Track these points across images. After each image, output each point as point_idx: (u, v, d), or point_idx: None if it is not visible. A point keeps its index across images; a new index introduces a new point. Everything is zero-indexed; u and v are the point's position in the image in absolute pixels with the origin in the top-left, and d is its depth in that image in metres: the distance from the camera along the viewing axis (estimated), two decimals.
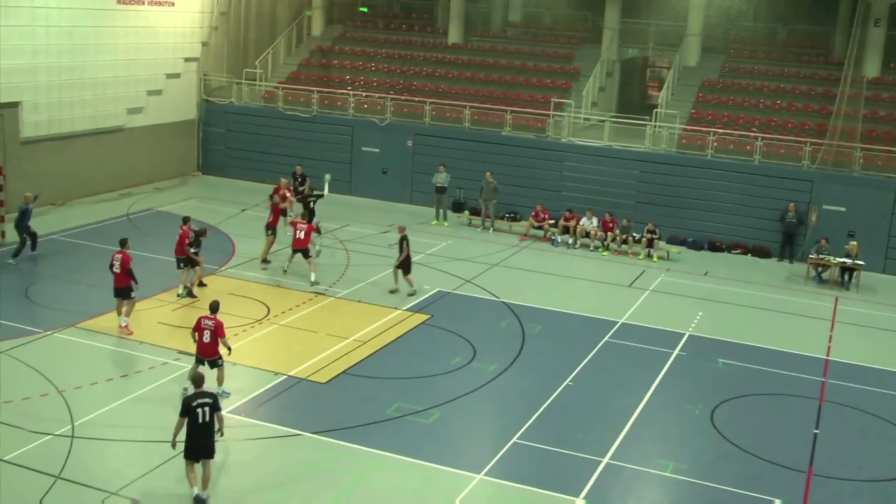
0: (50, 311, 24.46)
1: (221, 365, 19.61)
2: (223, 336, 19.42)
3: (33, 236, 28.40)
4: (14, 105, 33.31)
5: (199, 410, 15.64)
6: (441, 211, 36.51)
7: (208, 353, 19.40)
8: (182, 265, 26.04)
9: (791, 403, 21.60)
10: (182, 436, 15.75)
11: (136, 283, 23.30)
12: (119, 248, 23.37)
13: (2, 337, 22.30)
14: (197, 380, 16.33)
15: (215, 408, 15.89)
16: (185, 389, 19.27)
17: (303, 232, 27.93)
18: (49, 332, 22.87)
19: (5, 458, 16.81)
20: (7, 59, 32.70)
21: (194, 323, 19.69)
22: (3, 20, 32.35)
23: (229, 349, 19.87)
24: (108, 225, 32.82)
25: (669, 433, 19.84)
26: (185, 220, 26.53)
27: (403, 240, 27.23)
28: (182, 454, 15.92)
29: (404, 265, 27.35)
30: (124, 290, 23.06)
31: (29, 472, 16.47)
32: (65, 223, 32.40)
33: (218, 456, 17.26)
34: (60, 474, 16.43)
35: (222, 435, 16.35)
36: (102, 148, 37.51)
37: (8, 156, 32.89)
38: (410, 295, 27.13)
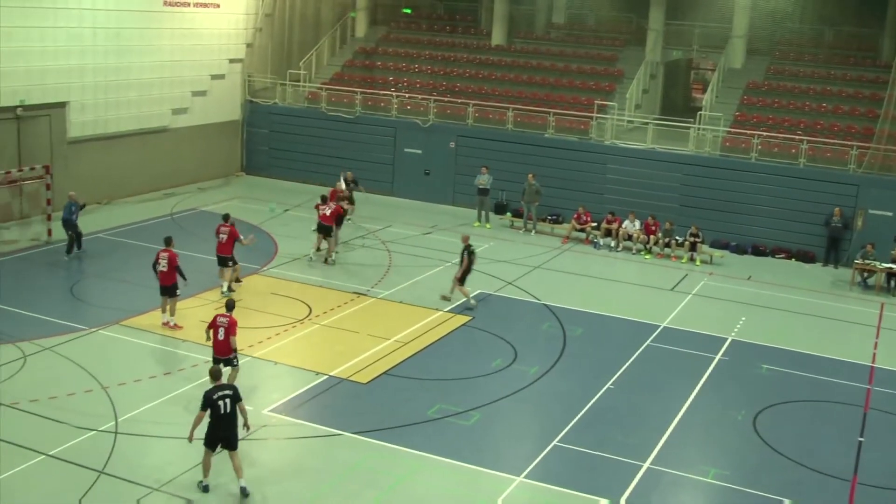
0: (95, 309, 24.73)
1: (236, 365, 19.65)
2: (234, 335, 19.28)
3: (78, 235, 28.67)
4: (62, 105, 33.76)
5: (221, 402, 15.93)
6: (483, 213, 36.49)
7: (223, 352, 19.36)
8: (231, 263, 26.26)
9: (835, 411, 21.36)
10: (203, 427, 16.05)
11: (185, 279, 23.56)
12: (164, 247, 23.58)
13: (48, 333, 22.60)
14: (214, 373, 16.52)
15: (236, 399, 16.12)
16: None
17: (329, 210, 29.34)
18: (94, 329, 23.13)
19: (50, 453, 17.03)
20: (55, 60, 33.15)
21: (210, 320, 19.77)
22: (52, 21, 32.81)
23: (235, 351, 19.50)
24: (152, 224, 33.13)
25: (711, 439, 19.68)
26: (226, 217, 26.76)
27: (465, 250, 26.78)
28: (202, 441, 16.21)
29: (463, 275, 26.81)
30: (170, 287, 23.28)
31: (73, 466, 16.67)
32: (110, 222, 32.75)
33: (258, 454, 17.47)
34: (104, 469, 16.61)
35: (248, 429, 16.50)
36: (147, 148, 37.89)
37: (55, 155, 33.35)
38: (444, 299, 26.87)
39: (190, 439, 16.16)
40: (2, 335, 22.26)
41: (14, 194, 30.94)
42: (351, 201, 34.48)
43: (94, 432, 17.96)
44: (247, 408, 16.60)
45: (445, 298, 26.80)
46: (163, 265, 23.19)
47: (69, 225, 28.32)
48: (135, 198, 36.75)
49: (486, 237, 34.28)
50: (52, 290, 26.09)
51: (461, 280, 26.65)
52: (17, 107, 31.86)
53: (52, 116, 33.47)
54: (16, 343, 21.83)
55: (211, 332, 19.49)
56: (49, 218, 30.59)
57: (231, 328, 19.28)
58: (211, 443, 16.13)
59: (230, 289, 26.23)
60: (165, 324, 23.43)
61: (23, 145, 32.34)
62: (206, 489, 16.09)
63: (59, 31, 33.17)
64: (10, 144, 31.97)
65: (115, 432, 18.02)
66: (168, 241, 23.79)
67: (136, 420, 18.59)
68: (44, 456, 16.93)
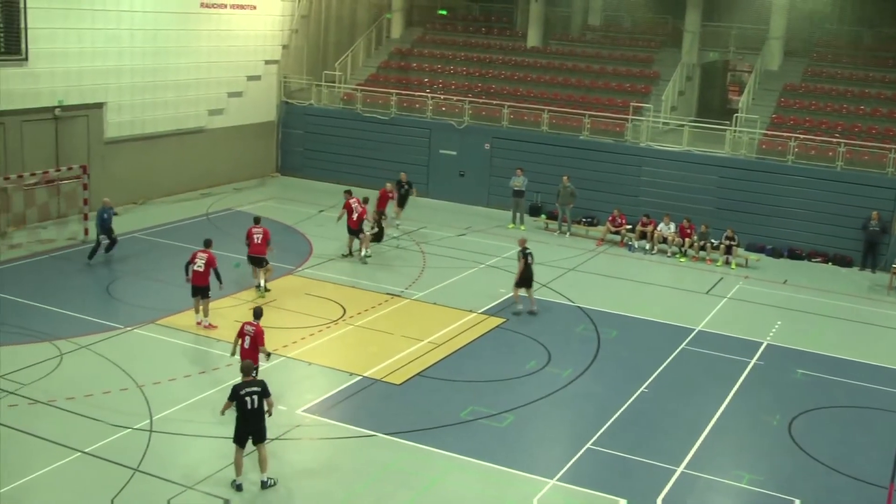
0: (130, 308, 24.91)
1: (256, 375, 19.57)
2: (262, 344, 19.05)
3: (112, 241, 28.71)
4: (99, 106, 34.07)
5: (248, 398, 16.07)
6: (518, 214, 36.44)
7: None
8: (265, 263, 26.40)
9: (873, 417, 21.14)
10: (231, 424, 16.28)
11: (221, 283, 23.70)
12: (203, 248, 23.71)
13: (84, 332, 22.80)
14: (245, 368, 16.61)
15: (264, 394, 16.24)
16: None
17: (357, 214, 29.75)
18: (129, 328, 23.31)
19: (86, 450, 17.18)
20: (93, 61, 33.46)
21: (238, 328, 19.56)
22: (91, 23, 33.11)
23: (268, 355, 19.45)
24: (188, 224, 33.34)
25: (746, 444, 19.53)
26: (257, 220, 26.93)
27: (521, 252, 26.27)
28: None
29: (524, 280, 26.22)
30: (203, 288, 23.39)
31: (108, 464, 16.80)
32: (145, 222, 32.98)
33: (291, 454, 17.53)
34: (139, 467, 16.72)
35: (270, 415, 16.56)
36: (183, 148, 38.15)
37: (92, 155, 33.66)
38: (531, 314, 26.21)
39: (222, 412, 16.56)
40: (39, 333, 22.49)
41: (52, 194, 31.23)
42: (401, 204, 34.64)
43: (130, 430, 18.09)
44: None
45: (517, 314, 26.07)
46: (199, 265, 23.29)
47: (104, 229, 28.37)
48: (171, 198, 37.00)
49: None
50: (89, 289, 26.32)
51: (518, 283, 26.20)
52: (55, 107, 32.19)
53: (90, 117, 33.79)
54: (53, 341, 22.04)
55: (239, 340, 19.36)
56: (86, 217, 30.86)
57: (258, 337, 19.08)
58: (239, 439, 16.26)
59: (266, 288, 26.36)
60: (199, 323, 23.56)
61: (61, 145, 32.66)
62: (239, 488, 16.17)
63: (97, 33, 33.48)
64: (49, 144, 32.29)
65: (150, 430, 18.15)
66: (208, 244, 23.94)
67: (171, 419, 18.71)
68: (80, 453, 17.07)
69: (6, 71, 30.42)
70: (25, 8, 30.62)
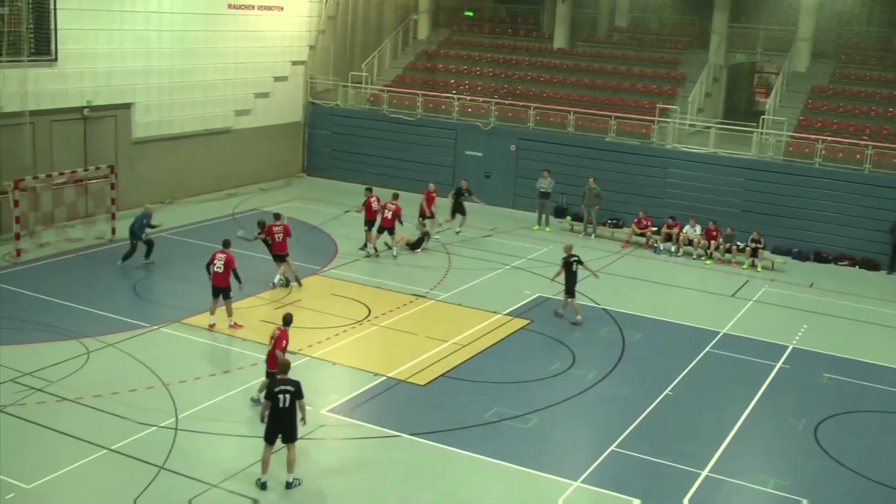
0: (156, 307, 25.06)
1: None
2: (280, 348, 18.73)
3: (149, 245, 28.82)
4: (127, 106, 34.31)
5: (281, 396, 16.20)
6: (543, 216, 36.40)
7: (268, 364, 19.08)
8: (280, 261, 26.59)
9: None
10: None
11: (241, 283, 23.82)
12: (221, 248, 23.84)
13: (111, 330, 22.97)
14: (283, 366, 16.76)
15: (297, 395, 16.32)
16: (254, 399, 19.55)
17: (390, 212, 30.33)
18: (155, 327, 23.45)
19: (112, 448, 17.30)
20: (122, 62, 33.70)
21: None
22: (119, 24, 33.34)
23: (288, 366, 19.19)
24: (214, 224, 33.51)
25: (771, 448, 19.44)
26: (277, 216, 27.13)
27: (566, 260, 26.01)
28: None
29: (568, 288, 25.96)
30: (224, 289, 23.51)
31: (134, 461, 16.92)
32: (172, 221, 33.07)
33: (316, 454, 17.57)
34: (164, 465, 16.83)
35: (304, 423, 16.65)
36: (210, 149, 38.35)
37: (120, 155, 33.90)
38: (574, 324, 25.73)
39: (262, 419, 16.58)
40: (66, 331, 22.67)
41: (80, 193, 31.44)
42: (460, 211, 34.42)
43: (155, 428, 18.21)
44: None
45: (576, 323, 25.67)
46: (218, 266, 23.45)
47: (136, 235, 28.44)
48: (197, 198, 37.19)
49: (545, 241, 34.20)
50: (116, 288, 26.50)
51: (569, 292, 25.96)
52: (83, 108, 32.44)
53: (118, 117, 34.03)
54: (79, 339, 22.22)
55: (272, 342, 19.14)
56: (113, 217, 31.09)
57: (277, 342, 18.85)
58: (270, 436, 16.35)
59: (288, 282, 26.67)
60: (211, 326, 23.62)
61: (89, 145, 32.92)
62: (263, 486, 16.26)
63: (125, 34, 33.71)
64: (77, 144, 32.55)
65: (176, 429, 18.26)
66: (226, 244, 24.08)
67: (196, 417, 18.82)
68: (105, 450, 17.20)
69: (36, 71, 30.68)
70: (55, 9, 30.87)
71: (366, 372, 21.53)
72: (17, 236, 28.29)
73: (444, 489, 16.68)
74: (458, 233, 34.19)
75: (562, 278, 26.11)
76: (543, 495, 16.72)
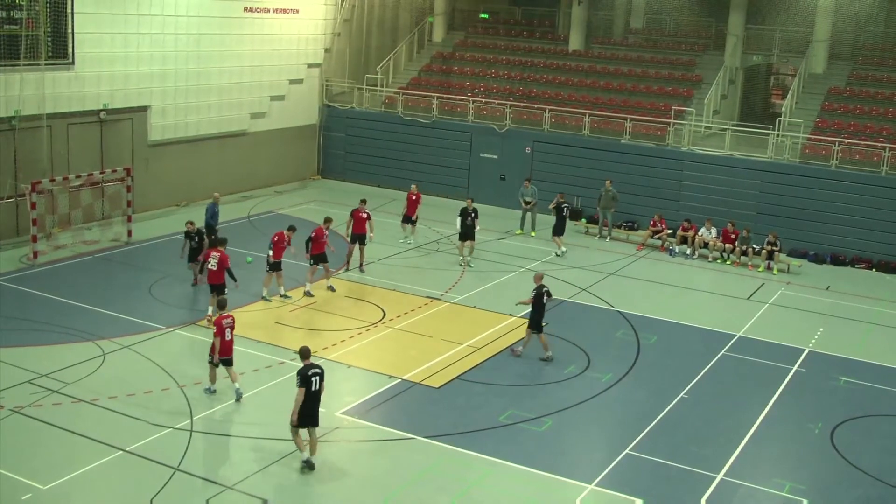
0: (172, 309, 25.12)
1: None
2: (219, 334, 19.62)
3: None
4: (143, 109, 34.44)
5: (314, 379, 16.76)
6: (528, 222, 35.79)
7: (230, 352, 19.80)
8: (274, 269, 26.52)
9: None
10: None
11: (235, 280, 24.09)
12: (215, 247, 24.20)
13: (127, 332, 23.05)
14: (304, 352, 17.22)
15: (323, 376, 17.03)
16: (208, 390, 20.06)
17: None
18: (171, 329, 23.53)
19: (127, 449, 17.37)
20: (138, 65, 33.84)
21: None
22: (136, 28, 33.47)
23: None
24: (230, 226, 33.52)
25: (787, 452, 19.37)
26: (291, 228, 26.98)
27: (539, 290, 23.12)
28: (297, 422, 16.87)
29: (536, 322, 23.00)
30: (219, 286, 23.64)
31: (149, 462, 16.97)
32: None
33: (330, 456, 17.59)
34: (179, 466, 16.89)
35: None
36: (226, 151, 38.46)
37: (136, 158, 34.03)
38: (544, 360, 23.10)
39: (293, 422, 16.77)
40: (83, 333, 22.76)
41: (96, 196, 31.56)
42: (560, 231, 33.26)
43: (171, 430, 18.27)
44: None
45: (546, 360, 23.20)
46: (212, 264, 23.74)
47: (211, 229, 28.79)
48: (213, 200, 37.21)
49: (562, 243, 34.14)
50: (132, 290, 26.58)
51: (536, 326, 23.05)
52: (100, 110, 32.57)
53: (134, 120, 34.17)
54: (95, 341, 22.30)
55: (217, 339, 19.67)
56: (129, 219, 31.21)
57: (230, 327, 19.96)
58: (303, 421, 16.80)
59: (309, 292, 26.68)
60: (209, 318, 23.77)
61: (105, 148, 33.04)
62: (310, 466, 16.95)
63: (142, 38, 33.83)
64: (94, 147, 32.68)
65: (191, 430, 18.31)
66: (222, 243, 24.41)
67: (211, 419, 18.87)
68: (121, 451, 17.26)
69: (54, 75, 30.84)
70: (73, 13, 31.03)
71: (381, 374, 21.55)
72: (34, 238, 28.38)
73: (458, 492, 16.68)
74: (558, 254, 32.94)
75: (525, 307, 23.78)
76: (558, 498, 16.71)
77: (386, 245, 31.98)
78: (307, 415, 16.81)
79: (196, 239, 26.83)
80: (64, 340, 22.37)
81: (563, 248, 32.89)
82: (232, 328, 19.85)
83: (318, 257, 26.91)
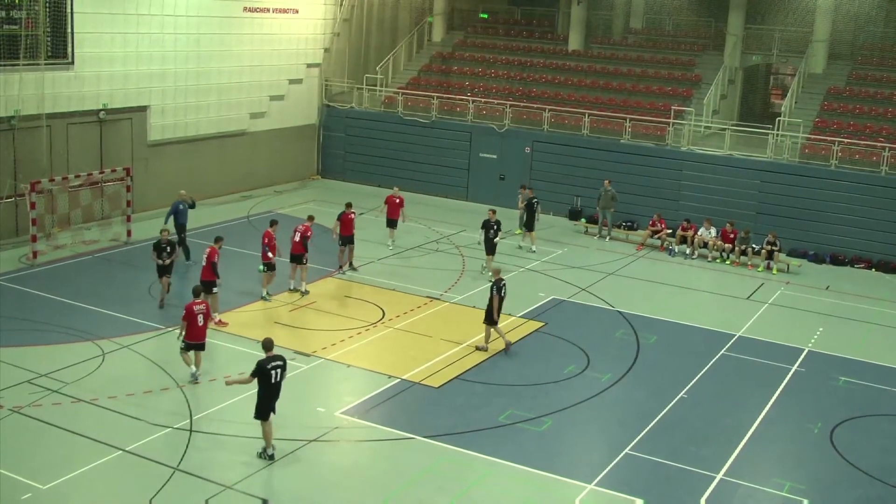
0: (171, 309, 25.05)
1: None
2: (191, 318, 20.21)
3: (182, 243, 29.05)
4: (143, 109, 34.43)
5: (273, 371, 16.92)
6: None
7: (202, 337, 20.51)
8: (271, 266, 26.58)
9: None
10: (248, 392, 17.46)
11: (219, 277, 23.95)
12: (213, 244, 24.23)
13: (126, 332, 23.04)
14: (267, 344, 17.32)
15: (285, 368, 17.22)
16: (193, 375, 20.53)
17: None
18: (170, 329, 23.45)
19: (127, 449, 17.36)
20: (138, 65, 33.84)
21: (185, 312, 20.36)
22: (135, 28, 33.47)
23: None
24: (229, 226, 33.55)
25: (787, 452, 19.37)
26: (274, 222, 27.08)
27: (498, 284, 23.40)
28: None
29: (492, 315, 23.20)
30: (208, 283, 23.57)
31: (149, 462, 16.98)
32: (188, 224, 33.18)
33: (329, 456, 17.62)
34: (178, 466, 16.89)
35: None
36: (225, 151, 38.46)
37: (136, 158, 34.03)
38: (479, 349, 23.48)
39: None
40: (82, 333, 22.76)
41: (96, 195, 31.56)
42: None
43: (170, 430, 18.27)
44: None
45: (481, 349, 23.45)
46: (203, 260, 23.89)
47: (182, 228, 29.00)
48: (212, 200, 37.25)
49: (560, 243, 34.14)
50: (131, 290, 26.58)
51: (489, 320, 23.28)
52: (100, 110, 32.57)
53: (134, 120, 34.17)
54: (95, 341, 22.30)
55: (185, 323, 20.17)
56: (129, 219, 31.21)
57: (209, 312, 20.87)
58: (263, 413, 17.03)
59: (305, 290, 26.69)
60: (216, 321, 23.76)
61: (105, 148, 33.04)
62: (271, 457, 17.08)
63: (141, 38, 33.83)
64: (93, 147, 32.68)
65: (190, 430, 18.31)
66: (216, 240, 24.40)
67: (211, 418, 18.87)
68: (121, 451, 17.26)
69: (53, 75, 30.84)
70: (72, 13, 31.02)
71: (380, 374, 21.55)
72: (34, 238, 28.38)
73: (457, 492, 16.67)
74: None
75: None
76: (557, 498, 16.71)
77: (386, 245, 31.95)
78: (269, 407, 17.06)
79: (168, 250, 25.06)
80: (63, 340, 22.37)
81: (534, 246, 33.16)
82: (205, 315, 20.35)
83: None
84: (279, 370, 17.01)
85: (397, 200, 32.40)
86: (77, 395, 19.47)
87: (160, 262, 24.99)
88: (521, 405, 20.31)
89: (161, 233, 25.58)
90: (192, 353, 20.38)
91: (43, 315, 23.93)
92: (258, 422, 17.20)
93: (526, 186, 35.65)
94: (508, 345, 23.44)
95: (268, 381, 16.89)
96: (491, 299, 23.16)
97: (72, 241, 30.18)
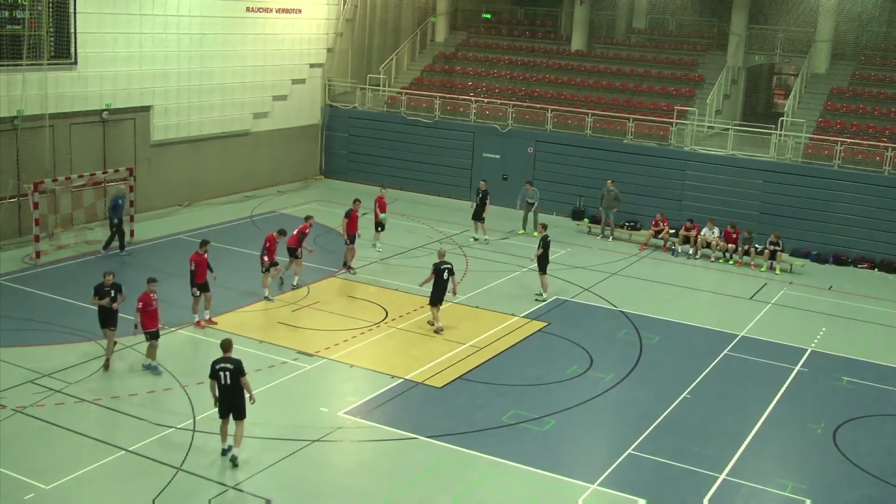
0: (174, 309, 25.03)
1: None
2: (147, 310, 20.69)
3: (121, 234, 29.67)
4: (146, 109, 34.44)
5: (221, 374, 17.01)
6: (533, 221, 35.78)
7: (155, 325, 20.95)
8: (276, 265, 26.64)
9: None
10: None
11: (213, 272, 24.14)
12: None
13: (129, 332, 22.95)
14: (224, 345, 17.44)
15: (238, 372, 17.03)
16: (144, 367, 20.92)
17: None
18: (172, 329, 23.52)
19: (130, 449, 17.38)
20: (141, 65, 33.85)
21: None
22: (138, 28, 33.47)
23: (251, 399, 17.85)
24: (232, 226, 33.58)
25: (789, 452, 19.36)
26: (282, 231, 27.02)
27: (438, 266, 24.56)
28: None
29: (437, 297, 24.51)
30: (203, 284, 23.80)
31: (152, 462, 16.99)
32: (190, 223, 33.26)
33: (332, 456, 17.61)
34: (181, 466, 16.90)
35: (253, 402, 17.24)
36: (228, 151, 38.48)
37: (139, 158, 34.04)
38: (437, 332, 24.45)
39: (214, 404, 17.27)
40: (85, 333, 22.74)
41: (98, 195, 31.57)
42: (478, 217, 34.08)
43: (173, 429, 18.28)
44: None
45: (438, 331, 24.39)
46: (192, 268, 23.97)
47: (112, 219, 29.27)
48: (215, 200, 37.30)
49: (562, 243, 34.06)
50: (134, 290, 26.46)
51: (436, 301, 24.54)
52: (103, 110, 32.59)
53: (137, 120, 34.17)
54: (98, 341, 22.27)
55: (139, 313, 20.67)
56: (132, 219, 31.19)
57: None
58: (222, 412, 17.18)
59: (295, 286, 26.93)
60: (197, 324, 23.88)
61: (108, 148, 33.05)
62: (223, 453, 17.20)
63: (145, 38, 33.84)
64: (96, 147, 32.70)
65: (193, 430, 18.31)
66: (203, 244, 24.51)
67: (214, 418, 18.75)
68: (124, 451, 17.28)
69: (56, 75, 30.85)
70: (76, 13, 31.04)
71: (383, 374, 21.55)
72: (37, 238, 28.40)
73: (460, 492, 16.67)
74: (475, 239, 34.01)
75: (429, 286, 24.63)
76: (560, 498, 16.70)
77: (388, 245, 31.97)
78: (224, 407, 17.13)
79: (112, 294, 21.16)
80: (66, 340, 22.40)
81: (487, 236, 33.94)
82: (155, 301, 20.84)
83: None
84: (227, 373, 16.93)
85: (384, 201, 32.52)
86: (80, 395, 19.49)
87: (104, 305, 20.99)
88: (523, 405, 20.31)
89: (105, 276, 21.38)
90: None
91: (46, 315, 23.95)
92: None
93: (532, 182, 35.73)
94: (438, 329, 24.37)
95: (218, 381, 17.00)
96: (435, 280, 24.42)
97: (74, 241, 30.19)
